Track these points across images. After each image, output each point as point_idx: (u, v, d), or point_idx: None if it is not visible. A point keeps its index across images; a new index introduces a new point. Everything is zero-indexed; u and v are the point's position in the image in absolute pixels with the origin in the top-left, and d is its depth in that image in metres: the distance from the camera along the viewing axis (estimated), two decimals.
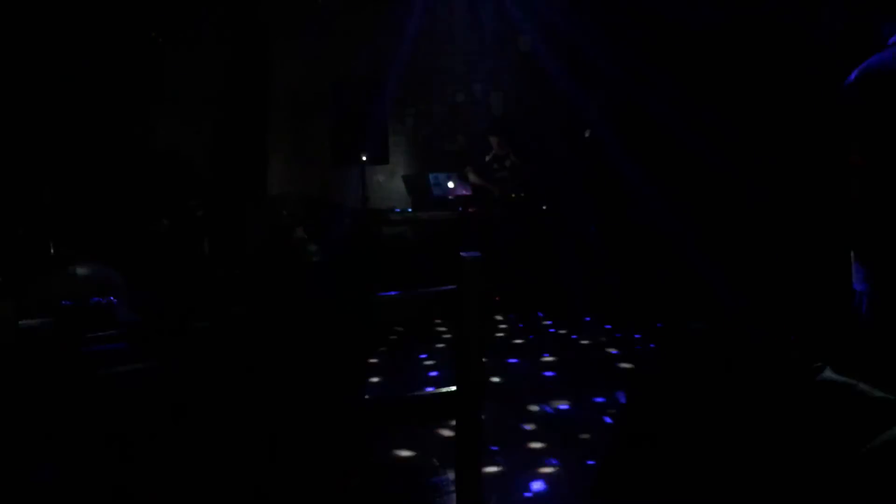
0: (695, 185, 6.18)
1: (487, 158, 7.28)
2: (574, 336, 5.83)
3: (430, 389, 3.98)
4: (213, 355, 1.79)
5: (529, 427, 3.95)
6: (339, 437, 1.81)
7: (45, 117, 5.98)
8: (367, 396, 2.97)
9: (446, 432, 3.63)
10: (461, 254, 1.72)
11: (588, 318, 6.25)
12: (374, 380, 4.75)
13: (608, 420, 3.98)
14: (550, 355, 5.33)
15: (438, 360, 5.24)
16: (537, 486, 3.25)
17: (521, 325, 6.22)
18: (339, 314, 1.81)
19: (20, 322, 1.77)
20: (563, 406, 4.26)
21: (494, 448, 3.60)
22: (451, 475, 1.86)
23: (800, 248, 4.93)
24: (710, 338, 1.72)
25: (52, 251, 3.77)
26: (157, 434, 1.61)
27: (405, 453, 3.57)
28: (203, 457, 1.63)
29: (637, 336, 5.67)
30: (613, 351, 5.39)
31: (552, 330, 6.08)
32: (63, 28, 6.16)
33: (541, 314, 6.45)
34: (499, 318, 6.44)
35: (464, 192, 7.30)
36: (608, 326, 6.00)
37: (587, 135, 6.91)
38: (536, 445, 3.70)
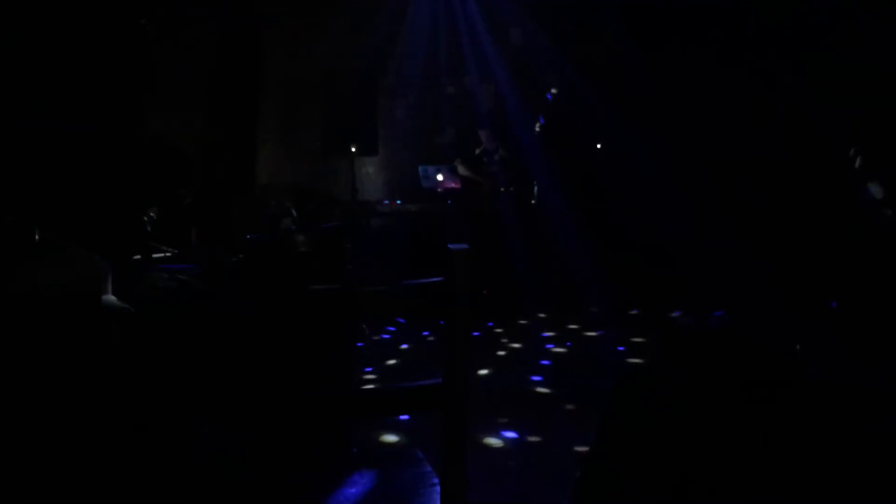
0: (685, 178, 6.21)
1: (477, 152, 7.27)
2: (568, 328, 5.85)
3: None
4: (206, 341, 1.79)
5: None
6: (325, 427, 1.81)
7: (33, 104, 5.92)
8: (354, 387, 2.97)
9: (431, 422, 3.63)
10: (449, 246, 1.72)
11: (584, 309, 6.29)
12: (367, 371, 4.75)
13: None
14: (541, 349, 5.35)
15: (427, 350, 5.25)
16: None
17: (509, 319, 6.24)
18: (328, 306, 1.81)
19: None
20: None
21: None
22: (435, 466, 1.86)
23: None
24: (694, 330, 1.73)
25: (37, 238, 3.74)
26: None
27: (390, 442, 3.57)
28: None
29: (630, 329, 5.70)
30: (609, 342, 5.42)
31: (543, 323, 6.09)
32: (51, 14, 6.09)
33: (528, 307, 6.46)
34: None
35: (453, 185, 7.28)
36: (600, 315, 6.04)
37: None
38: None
